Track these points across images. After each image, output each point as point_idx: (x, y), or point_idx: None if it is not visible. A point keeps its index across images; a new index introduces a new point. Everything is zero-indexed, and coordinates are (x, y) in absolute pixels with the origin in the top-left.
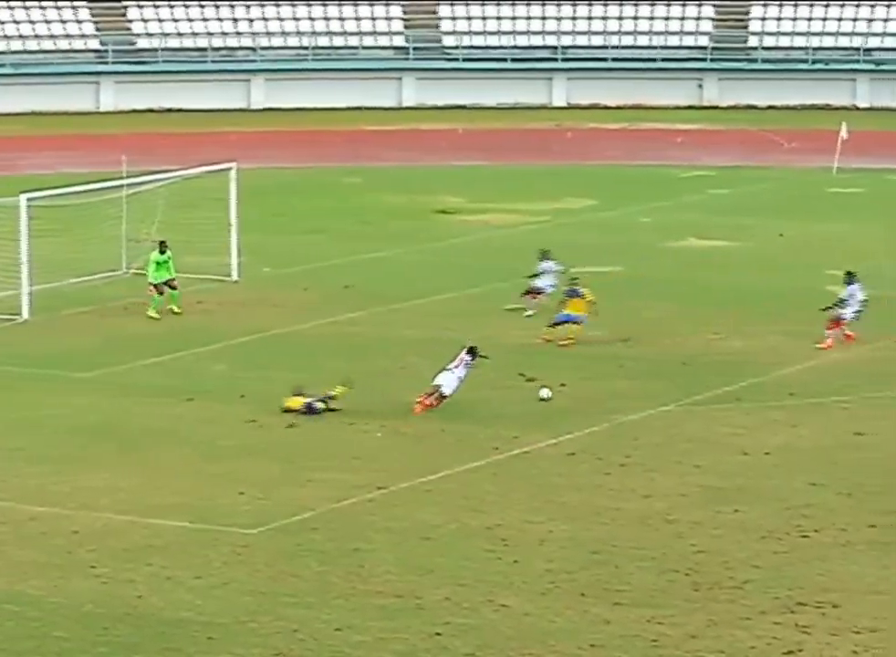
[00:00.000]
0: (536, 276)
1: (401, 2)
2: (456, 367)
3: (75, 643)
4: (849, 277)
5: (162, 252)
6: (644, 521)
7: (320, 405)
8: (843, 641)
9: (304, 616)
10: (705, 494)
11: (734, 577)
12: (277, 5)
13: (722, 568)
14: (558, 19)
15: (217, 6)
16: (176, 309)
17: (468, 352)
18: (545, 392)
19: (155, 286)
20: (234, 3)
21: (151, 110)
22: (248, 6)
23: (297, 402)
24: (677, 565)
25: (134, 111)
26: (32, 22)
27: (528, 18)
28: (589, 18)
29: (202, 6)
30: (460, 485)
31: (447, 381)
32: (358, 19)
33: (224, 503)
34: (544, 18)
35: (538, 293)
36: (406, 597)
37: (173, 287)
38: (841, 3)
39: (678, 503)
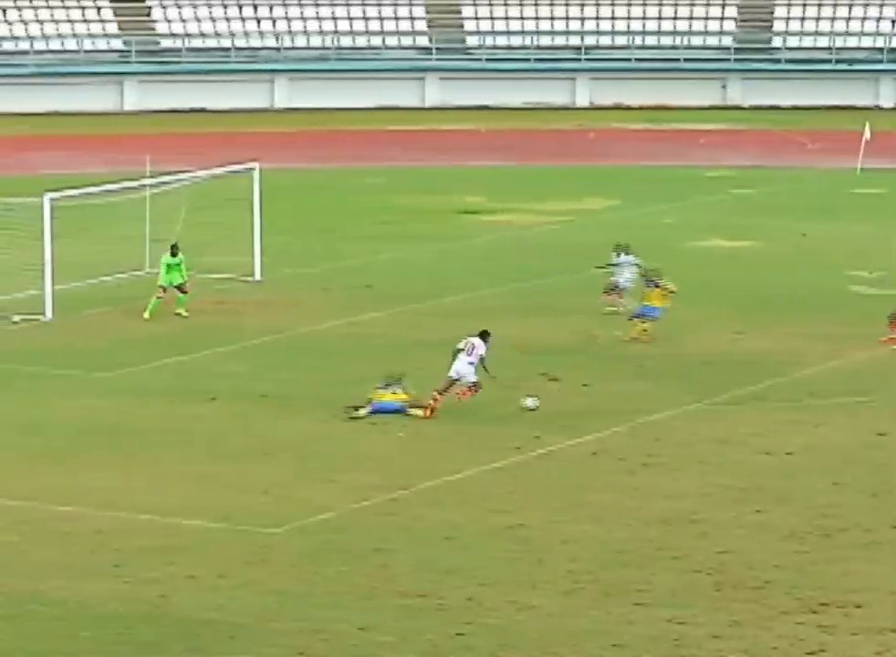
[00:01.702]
0: (606, 268)
1: (424, 2)
2: (468, 354)
3: (97, 644)
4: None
5: (174, 255)
6: (667, 521)
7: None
8: (866, 641)
9: (326, 616)
10: (728, 494)
11: (756, 577)
12: (301, 6)
13: (744, 568)
14: (582, 19)
15: (241, 6)
16: (184, 313)
17: (480, 337)
18: (530, 402)
19: (164, 288)
20: (258, 3)
21: (174, 111)
22: (272, 6)
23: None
24: (700, 565)
25: (158, 112)
26: (56, 21)
27: (552, 18)
28: (613, 18)
29: (225, 6)
30: (482, 486)
31: (467, 370)
32: (381, 19)
33: (244, 503)
34: (567, 18)
35: (614, 289)
36: (429, 596)
37: (184, 291)
38: (865, 3)
39: (701, 503)
